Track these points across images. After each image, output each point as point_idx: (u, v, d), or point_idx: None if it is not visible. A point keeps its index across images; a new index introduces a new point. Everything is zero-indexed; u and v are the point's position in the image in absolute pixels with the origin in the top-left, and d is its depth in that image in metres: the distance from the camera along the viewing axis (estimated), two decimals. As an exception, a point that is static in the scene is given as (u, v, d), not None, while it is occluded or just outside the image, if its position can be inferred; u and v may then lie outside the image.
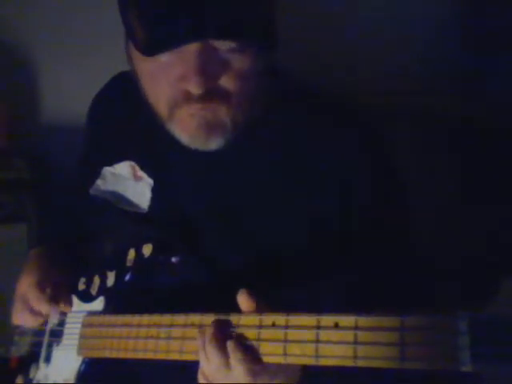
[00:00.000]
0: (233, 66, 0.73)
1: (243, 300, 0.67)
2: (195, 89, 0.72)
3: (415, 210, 0.84)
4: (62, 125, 1.60)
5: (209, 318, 0.70)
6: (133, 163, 0.92)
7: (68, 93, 1.58)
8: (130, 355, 0.80)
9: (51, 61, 1.61)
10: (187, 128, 0.77)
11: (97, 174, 0.95)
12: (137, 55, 0.76)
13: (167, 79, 0.75)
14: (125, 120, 0.96)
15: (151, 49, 0.72)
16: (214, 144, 0.78)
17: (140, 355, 0.79)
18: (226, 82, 0.74)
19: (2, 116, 1.62)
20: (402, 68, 1.49)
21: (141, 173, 0.92)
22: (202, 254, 0.85)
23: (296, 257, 0.80)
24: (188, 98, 0.74)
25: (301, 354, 0.60)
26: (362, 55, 1.49)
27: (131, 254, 0.87)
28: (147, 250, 0.85)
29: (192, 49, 0.70)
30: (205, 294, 0.80)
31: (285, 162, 0.83)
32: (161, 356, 0.76)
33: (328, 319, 0.59)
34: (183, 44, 0.70)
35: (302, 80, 0.89)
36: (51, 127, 1.64)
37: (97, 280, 0.92)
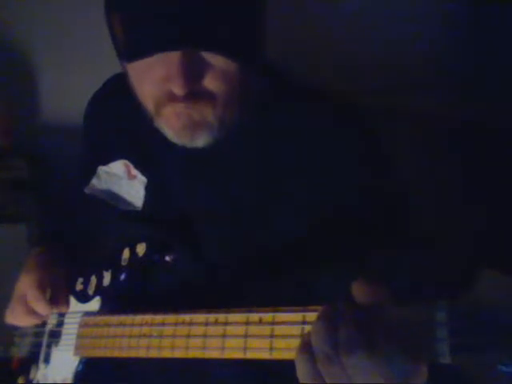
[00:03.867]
0: (216, 67, 0.73)
1: (361, 290, 0.56)
2: (179, 90, 0.72)
3: (415, 209, 0.84)
4: (62, 125, 1.59)
5: (198, 316, 0.70)
6: (127, 162, 0.93)
7: (68, 93, 1.57)
8: (124, 354, 0.81)
9: (51, 61, 1.61)
10: (173, 126, 0.77)
11: (93, 173, 0.96)
12: None
13: (152, 79, 0.75)
14: (120, 120, 0.96)
15: (129, 56, 0.73)
16: (200, 141, 0.78)
17: (133, 353, 0.79)
18: (210, 82, 0.74)
19: (2, 116, 1.62)
20: (402, 67, 1.49)
21: (135, 171, 0.92)
22: (197, 251, 0.85)
23: (293, 252, 0.80)
24: (172, 97, 0.74)
25: (287, 348, 0.61)
26: (362, 54, 1.49)
27: (126, 253, 0.87)
28: (141, 249, 0.85)
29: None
30: (200, 291, 0.80)
31: (279, 158, 0.83)
32: (153, 354, 0.76)
33: (313, 315, 0.59)
34: (156, 52, 0.70)
35: (300, 78, 0.89)
36: (51, 127, 1.64)
37: (94, 280, 0.92)
